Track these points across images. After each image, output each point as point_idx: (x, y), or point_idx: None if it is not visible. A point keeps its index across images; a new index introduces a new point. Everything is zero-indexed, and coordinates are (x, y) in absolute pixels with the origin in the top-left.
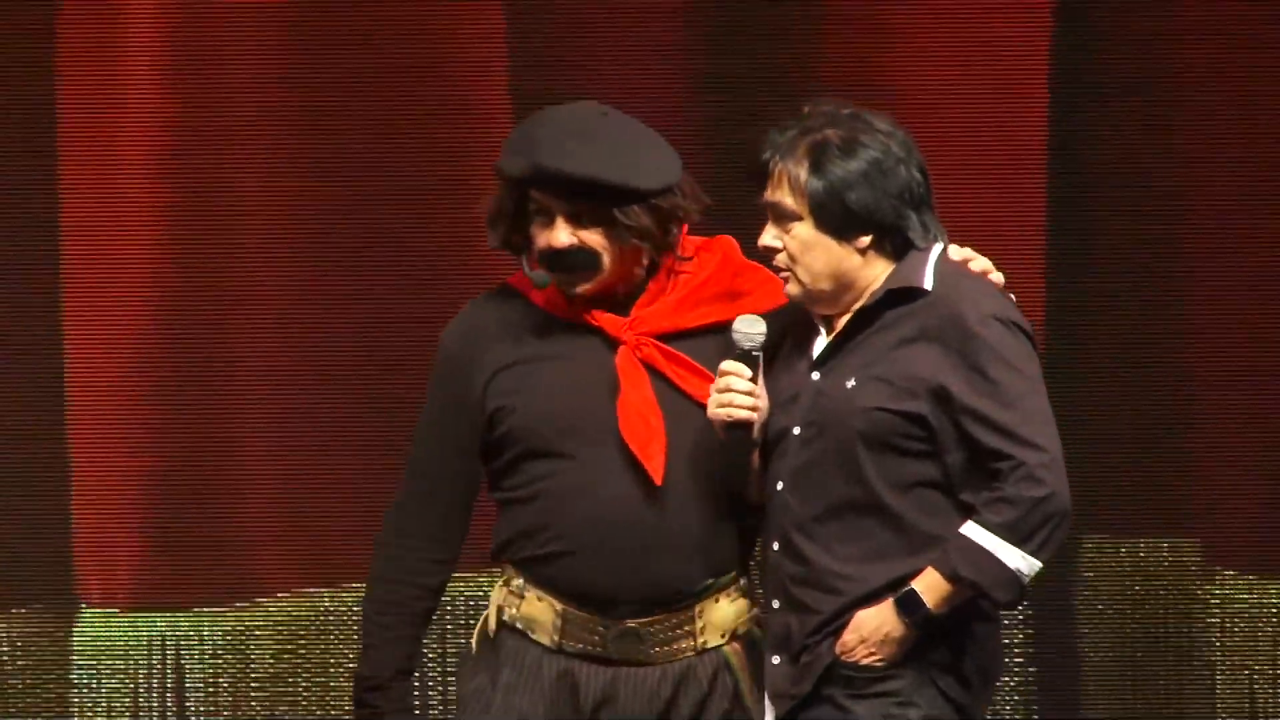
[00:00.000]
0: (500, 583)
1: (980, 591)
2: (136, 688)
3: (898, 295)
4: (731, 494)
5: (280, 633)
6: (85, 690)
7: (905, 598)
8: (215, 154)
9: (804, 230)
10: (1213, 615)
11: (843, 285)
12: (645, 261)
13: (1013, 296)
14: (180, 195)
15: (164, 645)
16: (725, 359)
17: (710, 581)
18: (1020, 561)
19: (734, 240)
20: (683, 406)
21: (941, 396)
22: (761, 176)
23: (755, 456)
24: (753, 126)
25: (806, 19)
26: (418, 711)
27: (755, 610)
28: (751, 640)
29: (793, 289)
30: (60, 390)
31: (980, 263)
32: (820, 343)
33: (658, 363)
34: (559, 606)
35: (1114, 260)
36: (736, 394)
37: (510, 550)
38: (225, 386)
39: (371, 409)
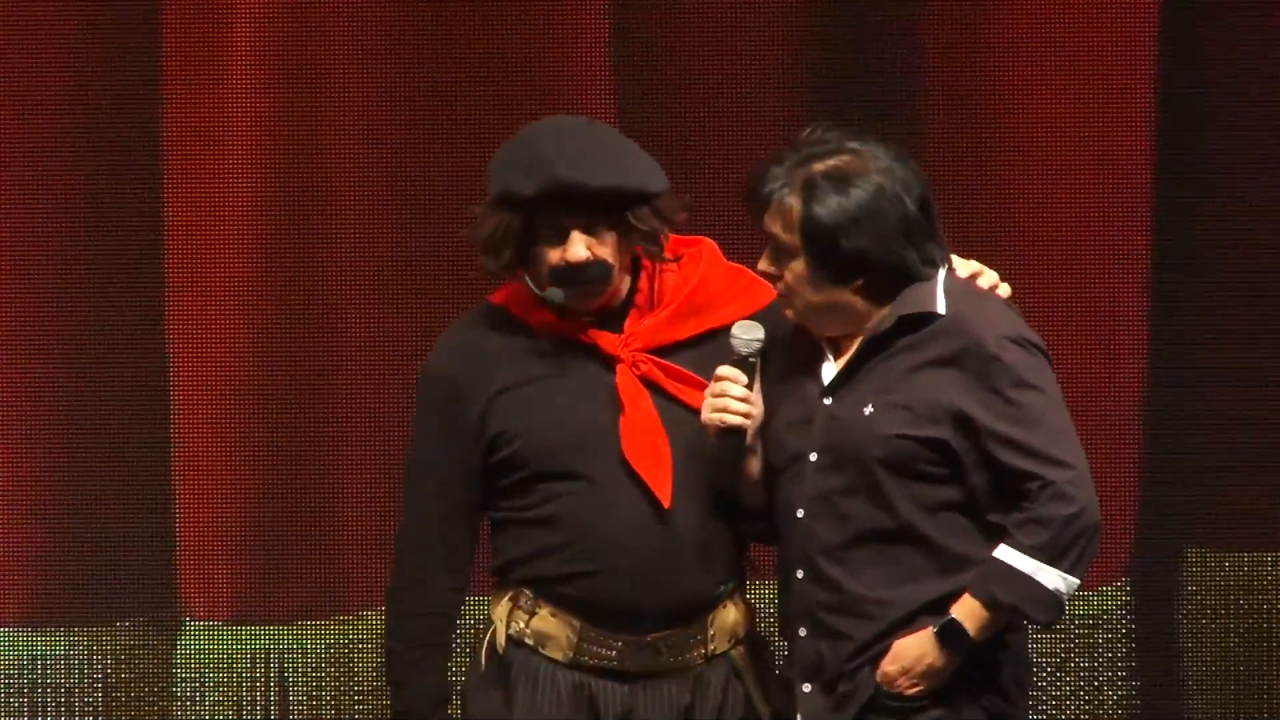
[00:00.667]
0: (505, 600)
1: (1021, 614)
2: (239, 700)
3: (909, 320)
4: (730, 499)
5: (382, 645)
6: (188, 703)
7: (947, 628)
8: (317, 165)
9: (799, 267)
10: None
11: (841, 318)
12: (629, 268)
13: (1018, 310)
14: (281, 204)
15: (267, 658)
16: (715, 366)
17: (722, 589)
18: (1059, 581)
19: (714, 244)
20: (685, 419)
21: (963, 421)
22: (754, 203)
23: (751, 463)
24: (854, 122)
25: (907, 18)
26: None
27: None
28: (753, 643)
29: (792, 315)
30: (165, 405)
31: (988, 277)
32: (829, 366)
33: (657, 378)
34: (576, 623)
35: (1222, 270)
36: (732, 400)
37: (521, 569)
38: (325, 400)
39: None
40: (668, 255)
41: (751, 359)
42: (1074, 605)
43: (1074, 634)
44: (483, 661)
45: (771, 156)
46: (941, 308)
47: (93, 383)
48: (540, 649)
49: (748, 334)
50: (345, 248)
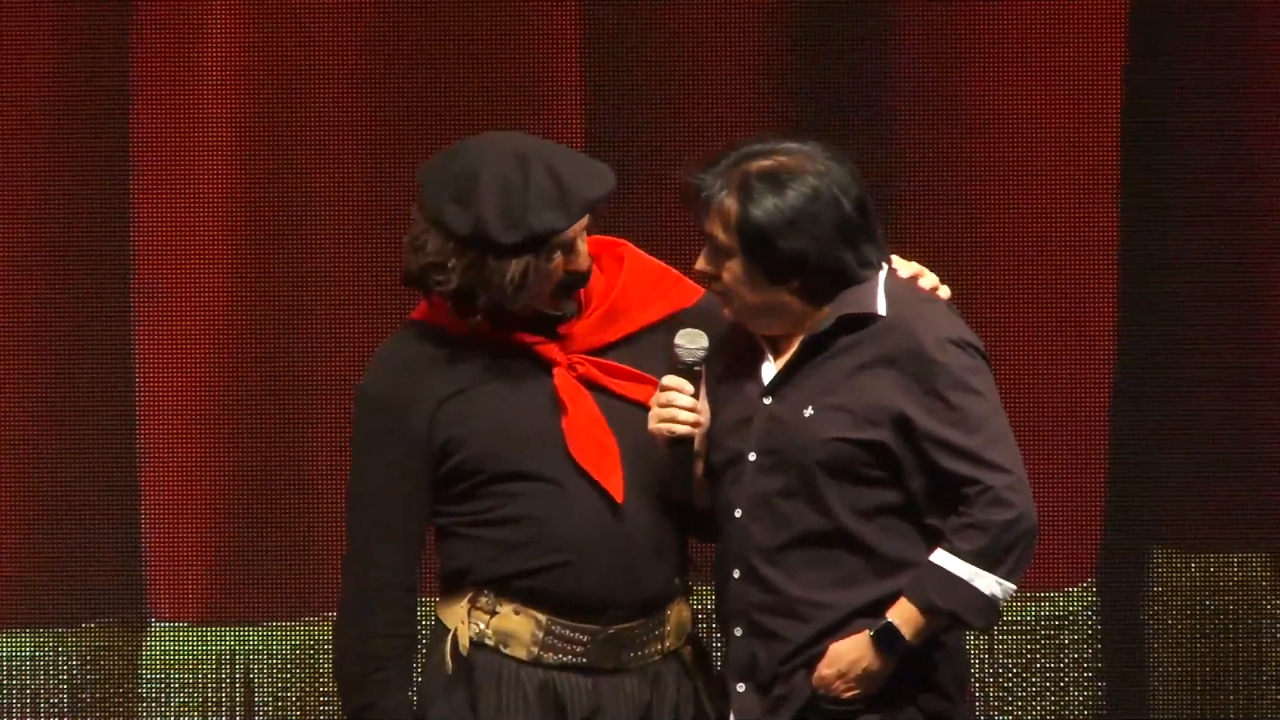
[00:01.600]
0: (462, 603)
1: (958, 620)
2: (205, 702)
3: (849, 321)
4: (678, 498)
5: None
6: (154, 705)
7: (883, 632)
8: (288, 163)
9: (735, 268)
10: None
11: (779, 319)
12: None
13: (958, 312)
14: (251, 204)
15: (233, 659)
16: (663, 359)
17: (677, 582)
18: (995, 586)
19: (632, 245)
20: (631, 414)
21: (902, 424)
22: (690, 201)
23: (698, 466)
24: (825, 128)
25: (879, 23)
26: None
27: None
28: (697, 643)
29: (730, 315)
30: (132, 407)
31: (928, 279)
32: (769, 367)
33: (597, 378)
34: (542, 619)
35: (1190, 274)
36: (679, 410)
37: (479, 571)
38: (293, 402)
39: None
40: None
41: (696, 367)
42: (1040, 606)
43: (1040, 635)
44: (448, 665)
45: (708, 157)
46: (882, 309)
47: (60, 385)
48: (503, 648)
49: (692, 343)
50: (313, 252)
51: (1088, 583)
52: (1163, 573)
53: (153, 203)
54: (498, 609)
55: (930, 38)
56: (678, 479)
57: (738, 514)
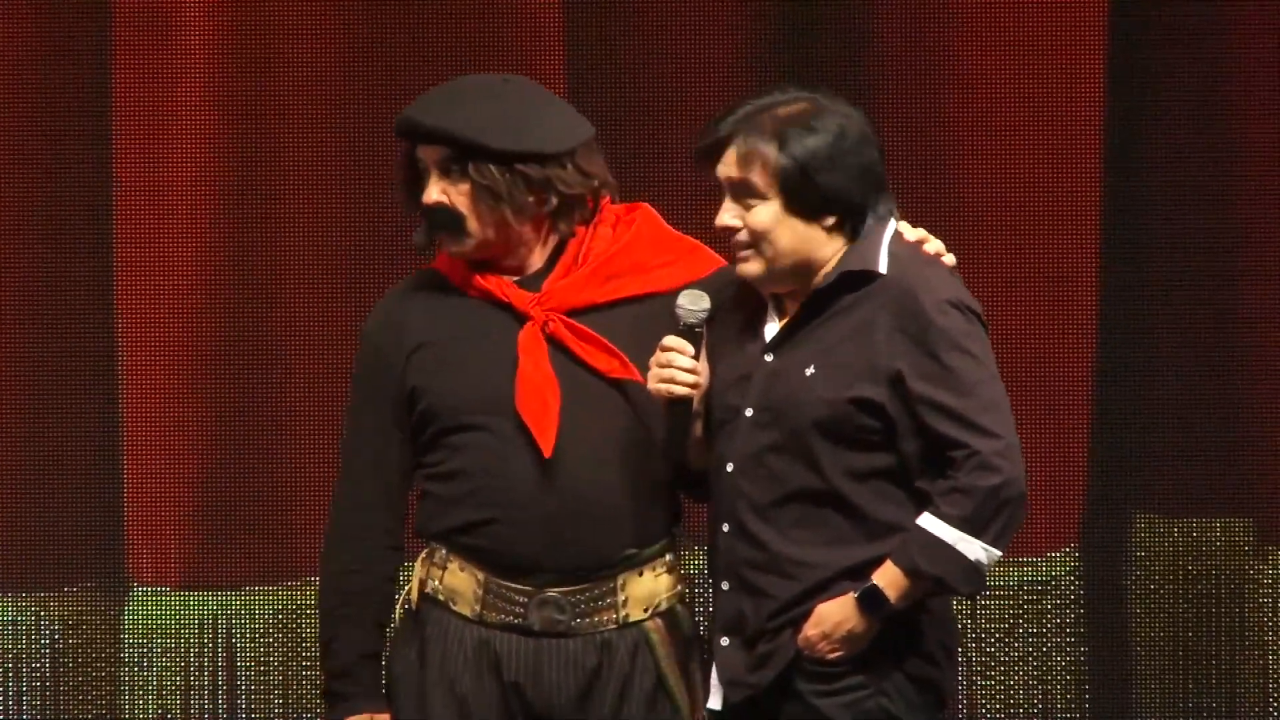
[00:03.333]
0: (422, 557)
1: (943, 584)
2: (187, 666)
3: (852, 278)
4: (667, 465)
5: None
6: (136, 669)
7: (868, 594)
8: (268, 128)
9: (768, 211)
10: (1265, 595)
11: (803, 264)
12: (539, 231)
13: (960, 278)
14: (232, 173)
15: (215, 624)
16: (644, 332)
17: (632, 552)
18: (980, 552)
19: (652, 210)
20: (585, 380)
21: (897, 383)
22: (716, 152)
23: (697, 427)
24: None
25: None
26: None
27: (680, 587)
28: (674, 618)
29: (752, 268)
30: (113, 371)
31: (934, 244)
32: (772, 325)
33: (564, 338)
34: (481, 576)
35: (1170, 241)
36: (678, 370)
37: (432, 523)
38: (276, 366)
39: None
40: (605, 223)
41: (697, 329)
42: (1023, 571)
43: (1023, 600)
44: (398, 617)
45: (726, 108)
46: (884, 267)
47: (41, 349)
48: (451, 605)
49: (694, 304)
50: (294, 217)
51: (1070, 548)
52: (1145, 538)
53: (134, 168)
54: (448, 564)
55: (910, 10)
56: (676, 452)
57: (730, 468)
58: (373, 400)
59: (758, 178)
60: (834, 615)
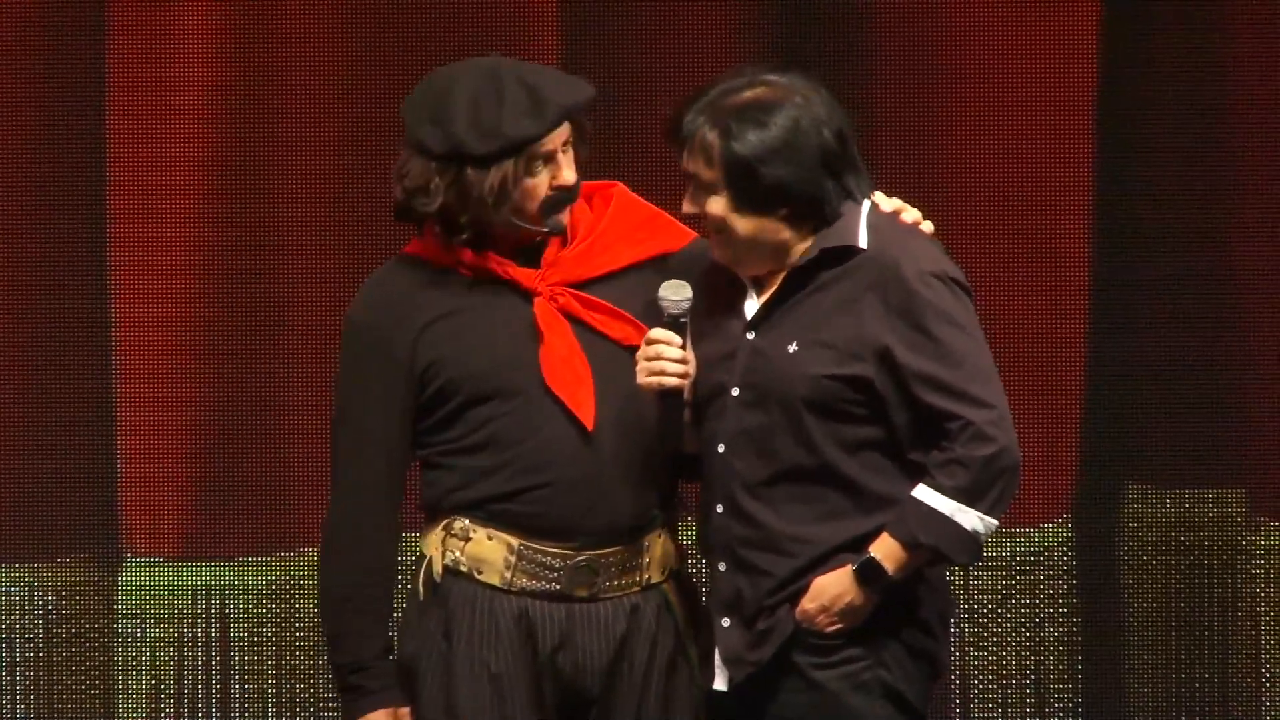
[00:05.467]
0: (438, 530)
1: (940, 555)
2: (180, 637)
3: (832, 254)
4: (665, 452)
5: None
6: (129, 639)
7: (865, 567)
8: (263, 105)
9: (719, 203)
10: (1257, 566)
11: (769, 251)
12: None
13: (941, 245)
14: (228, 143)
15: (208, 594)
16: (643, 297)
17: (657, 514)
18: (977, 522)
19: (625, 186)
20: (606, 349)
21: (885, 358)
22: (678, 144)
23: (687, 413)
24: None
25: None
26: None
27: (678, 550)
28: (681, 580)
29: (721, 254)
30: (106, 342)
31: (911, 213)
32: (751, 303)
33: (575, 310)
34: (515, 543)
35: (1162, 210)
36: (668, 362)
37: (455, 495)
38: (270, 337)
39: None
40: (583, 198)
41: (682, 319)
42: (1016, 543)
43: (1016, 571)
44: (420, 593)
45: (688, 97)
46: (864, 242)
47: (35, 320)
48: (477, 574)
49: (676, 295)
50: (292, 189)
51: (1063, 519)
52: (1138, 508)
53: (129, 140)
54: (471, 535)
55: (907, 7)
56: (656, 416)
57: (720, 448)
58: (368, 386)
59: (707, 172)
60: (832, 588)
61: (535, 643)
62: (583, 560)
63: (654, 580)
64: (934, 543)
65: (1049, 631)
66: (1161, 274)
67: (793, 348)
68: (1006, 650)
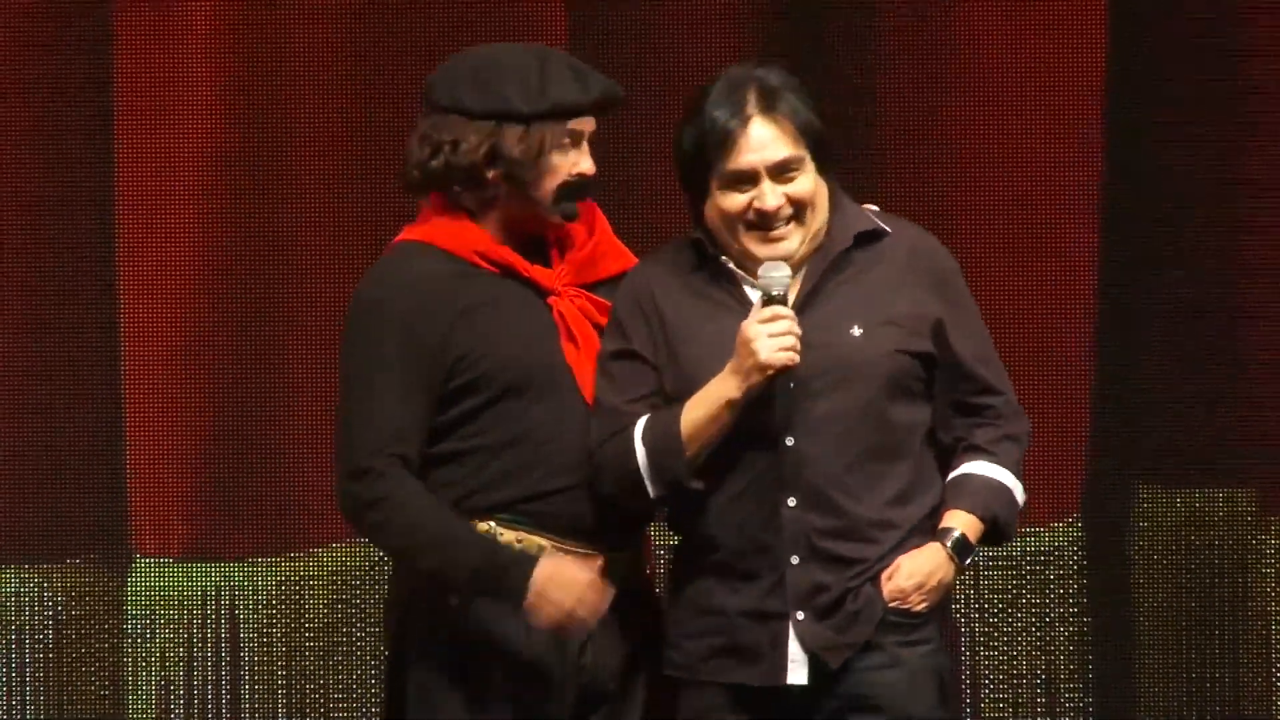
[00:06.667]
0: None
1: (1007, 529)
2: (190, 638)
3: (863, 238)
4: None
5: (333, 582)
6: (138, 640)
7: (959, 543)
8: (270, 105)
9: (808, 175)
10: (1267, 565)
11: (822, 222)
12: None
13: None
14: (235, 138)
15: (217, 595)
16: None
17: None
18: (1022, 495)
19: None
20: None
21: (939, 332)
22: (731, 142)
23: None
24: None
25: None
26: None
27: None
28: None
29: (791, 244)
30: (115, 343)
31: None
32: (753, 292)
33: (590, 312)
34: (545, 543)
35: (1170, 211)
36: (791, 336)
37: (481, 498)
38: (277, 338)
39: None
40: None
41: (782, 297)
42: (1026, 542)
43: (1026, 571)
44: (436, 599)
45: (712, 104)
46: (888, 226)
47: (44, 320)
48: None
49: (776, 272)
50: (298, 197)
51: (1073, 518)
52: (1148, 508)
53: (136, 137)
54: (501, 535)
55: (910, 8)
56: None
57: (790, 441)
58: (402, 357)
59: (794, 149)
60: (926, 565)
61: (565, 644)
62: (606, 560)
63: (633, 577)
64: (1007, 517)
65: (1059, 631)
66: (1171, 272)
67: (857, 330)
68: (1016, 650)
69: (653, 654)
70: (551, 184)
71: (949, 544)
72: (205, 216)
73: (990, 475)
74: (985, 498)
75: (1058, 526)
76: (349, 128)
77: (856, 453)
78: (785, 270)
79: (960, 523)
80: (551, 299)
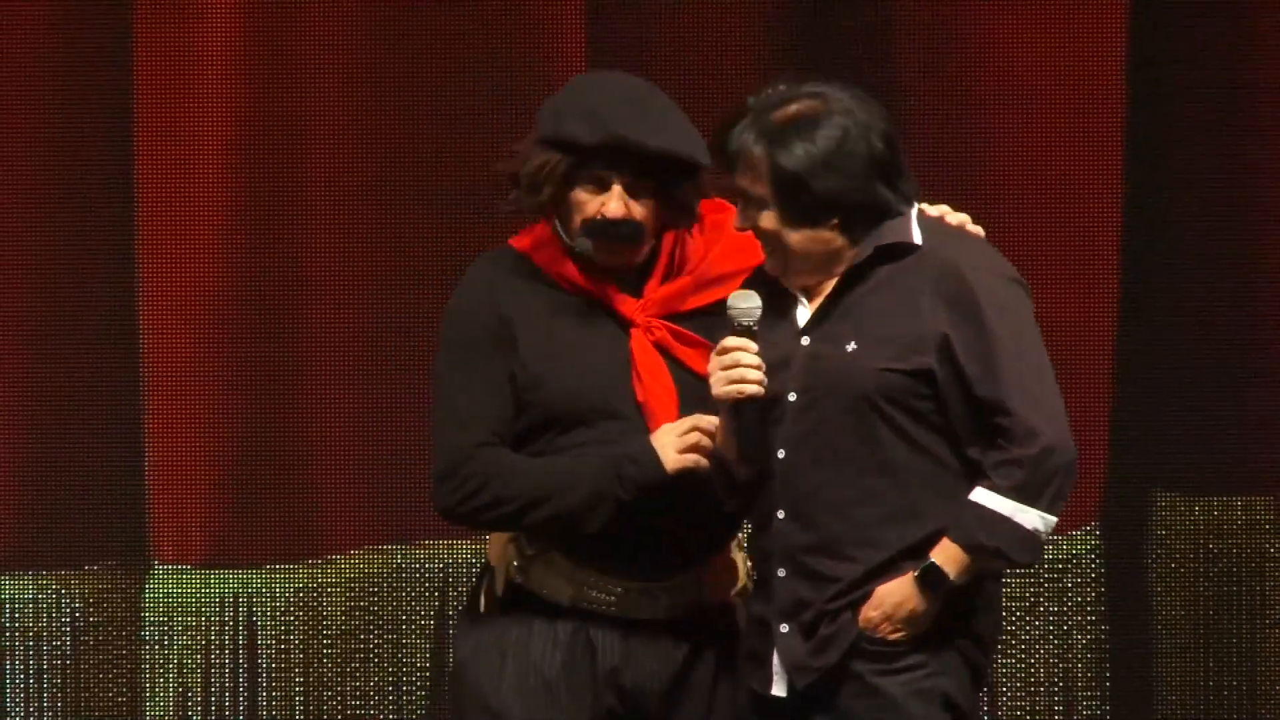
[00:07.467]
0: (502, 544)
1: (1004, 557)
2: (208, 645)
3: (885, 253)
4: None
5: (352, 589)
6: (157, 647)
7: (928, 573)
8: (291, 118)
9: (770, 217)
10: None
11: (821, 261)
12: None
13: (994, 248)
14: (255, 141)
15: (235, 602)
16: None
17: (721, 541)
18: (1037, 521)
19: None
20: (692, 383)
21: (945, 349)
22: (726, 163)
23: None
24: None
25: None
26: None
27: (749, 564)
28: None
29: (772, 266)
30: (135, 349)
31: (955, 217)
32: (803, 309)
33: (669, 344)
34: (574, 569)
35: (1190, 221)
36: (748, 369)
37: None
38: (297, 343)
39: None
40: (695, 224)
41: (754, 327)
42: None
43: (1043, 578)
44: (481, 604)
45: (732, 113)
46: (918, 239)
47: (62, 325)
48: (540, 593)
49: (746, 303)
50: (320, 192)
51: (1091, 526)
52: (1165, 516)
53: (156, 139)
54: (537, 555)
55: (928, 21)
56: (757, 458)
57: (781, 454)
58: (486, 356)
59: (756, 187)
60: (894, 596)
61: (594, 659)
62: (647, 586)
63: (719, 600)
64: (996, 545)
65: (1077, 639)
66: (1190, 281)
67: (851, 346)
68: (1034, 658)
69: (727, 679)
70: (575, 219)
71: (918, 574)
72: (226, 227)
73: (983, 503)
74: (971, 527)
75: (1076, 534)
76: (368, 140)
77: (840, 469)
78: (753, 301)
79: (939, 552)
80: (634, 330)
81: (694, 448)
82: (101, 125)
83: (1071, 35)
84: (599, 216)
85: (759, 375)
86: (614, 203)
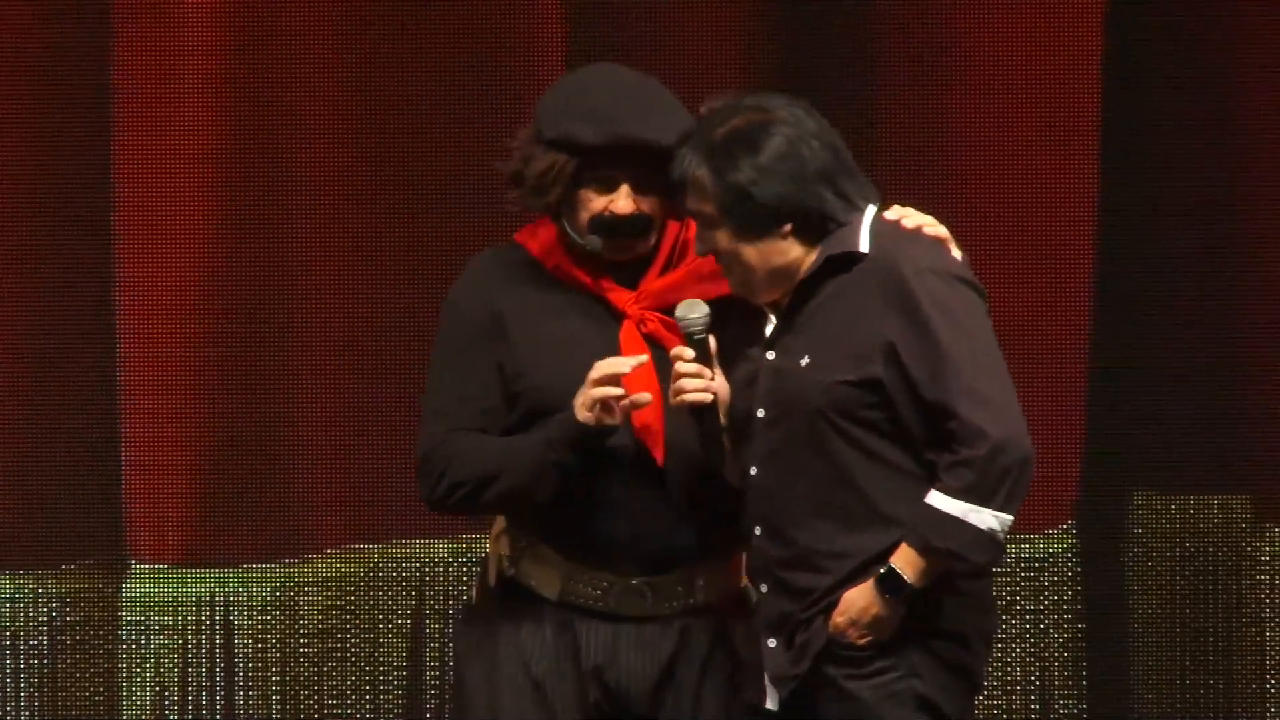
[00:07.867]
0: (497, 535)
1: (957, 557)
2: (185, 644)
3: (836, 262)
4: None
5: (329, 588)
6: (134, 646)
7: (885, 577)
8: (269, 116)
9: (724, 236)
10: (1262, 572)
11: (779, 274)
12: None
13: (956, 252)
14: (234, 156)
15: (213, 601)
16: (725, 332)
17: (717, 539)
18: (992, 520)
19: None
20: None
21: (891, 355)
22: (678, 189)
23: (725, 440)
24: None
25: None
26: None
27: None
28: (746, 601)
29: (735, 285)
30: (112, 347)
31: (913, 219)
32: (770, 324)
33: (662, 336)
34: (563, 563)
35: (1169, 218)
36: (686, 379)
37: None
38: (274, 343)
39: (421, 367)
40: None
41: (698, 335)
42: (1020, 549)
43: (1020, 577)
44: (474, 598)
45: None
46: (865, 246)
47: (39, 323)
48: (531, 587)
49: (691, 312)
50: (298, 193)
51: (1067, 525)
52: (1142, 514)
53: (135, 135)
54: (528, 548)
55: (909, 15)
56: (715, 462)
57: (753, 471)
58: (476, 347)
59: (704, 206)
60: (858, 601)
61: (579, 656)
62: (634, 583)
63: (708, 602)
64: (950, 546)
65: (1053, 638)
66: (1165, 280)
67: (804, 360)
68: (1011, 657)
69: (714, 679)
70: (582, 216)
71: (877, 579)
72: (203, 222)
73: (936, 505)
74: (924, 530)
75: (1052, 533)
76: (349, 137)
77: (802, 483)
78: (700, 309)
79: (898, 556)
80: (625, 322)
81: (599, 400)
82: (80, 120)
83: (1050, 25)
84: (607, 213)
85: (699, 384)
86: (623, 201)
